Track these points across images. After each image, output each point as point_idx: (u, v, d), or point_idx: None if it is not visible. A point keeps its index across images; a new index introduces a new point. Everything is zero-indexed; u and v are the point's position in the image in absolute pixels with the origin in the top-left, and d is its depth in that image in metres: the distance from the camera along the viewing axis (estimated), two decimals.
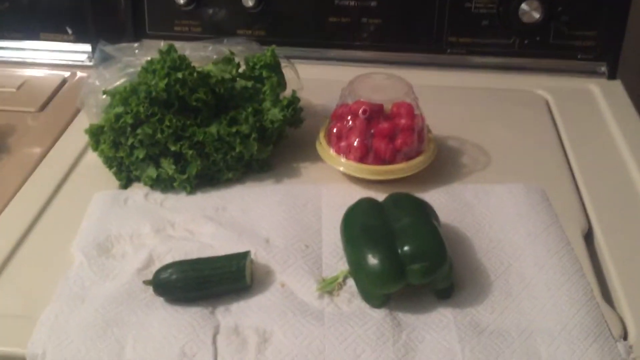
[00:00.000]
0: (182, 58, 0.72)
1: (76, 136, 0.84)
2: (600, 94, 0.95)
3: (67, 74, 1.00)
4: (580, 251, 0.67)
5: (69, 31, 1.01)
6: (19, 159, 0.81)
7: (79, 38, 1.01)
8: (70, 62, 1.01)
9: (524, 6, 0.94)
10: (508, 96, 0.95)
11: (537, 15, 0.94)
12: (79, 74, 1.00)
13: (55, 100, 0.95)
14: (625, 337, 0.58)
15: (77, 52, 1.02)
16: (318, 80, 0.90)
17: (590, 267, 0.65)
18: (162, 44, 0.82)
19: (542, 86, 0.97)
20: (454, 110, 0.90)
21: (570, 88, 0.96)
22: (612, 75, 0.97)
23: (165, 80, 0.70)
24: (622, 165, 0.81)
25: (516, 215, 0.70)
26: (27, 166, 0.80)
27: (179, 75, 0.71)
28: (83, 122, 0.86)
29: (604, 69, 0.98)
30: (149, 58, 0.75)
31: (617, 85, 0.96)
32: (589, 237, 0.70)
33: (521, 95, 0.95)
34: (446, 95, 0.94)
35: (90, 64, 1.01)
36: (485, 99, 0.94)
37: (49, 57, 1.02)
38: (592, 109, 0.93)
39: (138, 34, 1.03)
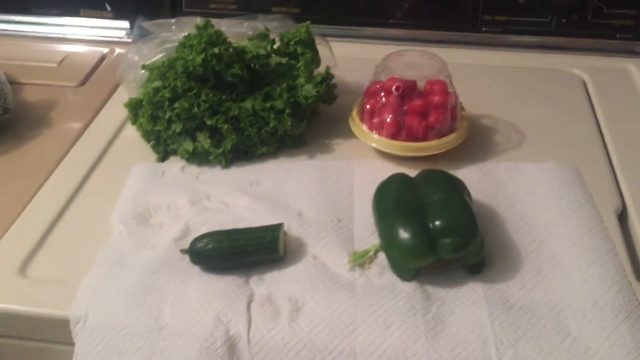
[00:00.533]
0: (219, 33, 0.73)
1: (115, 110, 0.87)
2: (638, 73, 0.93)
3: (105, 50, 1.02)
4: (613, 230, 0.67)
5: (108, 8, 1.03)
6: (60, 132, 0.84)
7: (117, 15, 1.03)
8: (108, 38, 1.03)
9: None
10: (544, 76, 0.94)
11: None
12: (117, 50, 1.02)
13: (95, 75, 0.97)
14: None
15: (116, 28, 1.03)
16: (351, 59, 0.90)
17: (623, 247, 0.65)
18: (199, 20, 0.83)
19: (579, 66, 0.95)
20: (488, 88, 0.90)
21: (608, 68, 0.95)
22: None
23: (202, 55, 0.71)
24: None
25: (549, 193, 0.70)
26: (68, 139, 0.82)
27: (216, 50, 0.72)
28: (122, 96, 0.88)
29: None
30: (186, 33, 0.77)
31: None
32: (622, 216, 0.70)
33: (557, 75, 0.94)
34: (481, 73, 0.94)
35: (129, 40, 1.03)
36: (521, 78, 0.94)
37: (88, 33, 1.04)
38: (629, 89, 0.91)
39: (175, 11, 1.04)
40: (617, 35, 0.96)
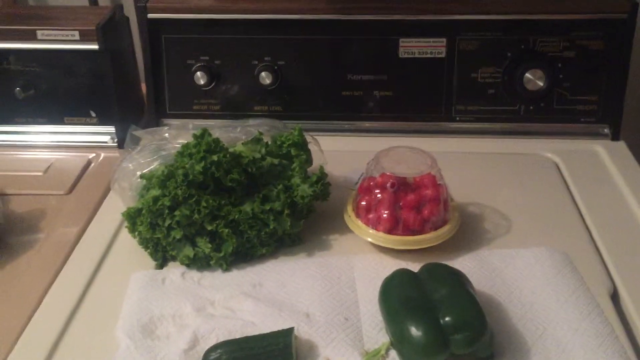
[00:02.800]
0: (217, 141, 0.75)
1: (107, 218, 0.87)
2: (606, 154, 0.99)
3: (91, 155, 1.03)
4: (609, 312, 0.69)
5: (92, 114, 1.04)
6: (53, 243, 0.83)
7: (102, 120, 1.04)
8: (94, 144, 1.04)
9: (528, 75, 0.99)
10: (518, 160, 0.99)
11: (541, 84, 0.99)
12: (103, 154, 1.03)
13: (82, 182, 0.97)
14: None
15: (100, 133, 1.05)
16: (335, 152, 0.93)
17: (621, 328, 0.68)
18: (191, 126, 0.86)
19: (549, 149, 1.01)
20: (468, 175, 0.94)
21: (577, 150, 1.00)
22: (615, 137, 1.02)
23: (202, 164, 0.73)
24: (636, 223, 0.84)
25: (544, 279, 0.73)
26: (62, 250, 0.81)
27: (214, 157, 0.74)
28: (113, 203, 0.89)
29: (607, 130, 1.02)
30: (181, 141, 0.79)
31: (621, 146, 1.01)
32: (614, 297, 0.73)
33: (531, 159, 0.99)
34: (458, 161, 0.98)
35: (114, 144, 1.04)
36: (497, 163, 0.98)
37: (73, 140, 1.05)
38: (599, 169, 0.97)
39: (159, 113, 1.07)
40: (582, 119, 1.03)
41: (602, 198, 0.90)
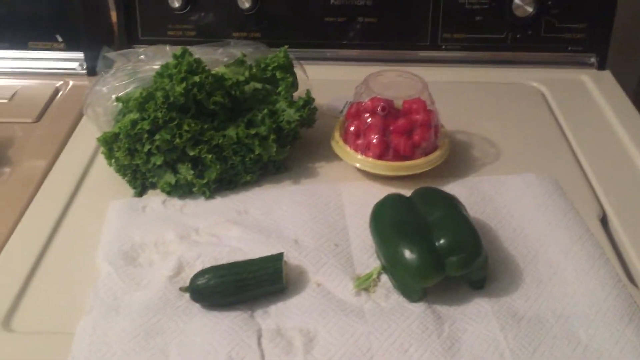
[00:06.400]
0: (198, 62, 0.71)
1: (81, 145, 0.83)
2: (592, 84, 0.98)
3: (59, 82, 0.97)
4: (599, 235, 0.69)
5: (59, 39, 0.98)
6: (24, 172, 0.79)
7: (69, 45, 0.98)
8: (61, 71, 0.98)
9: (517, 0, 0.96)
10: (505, 89, 0.97)
11: (530, 9, 0.96)
12: (72, 82, 0.97)
13: (51, 109, 0.92)
14: None
15: (69, 59, 0.99)
16: (318, 80, 0.90)
17: (611, 250, 0.67)
18: (168, 48, 0.81)
19: (536, 78, 0.99)
20: (455, 104, 0.91)
21: (564, 79, 0.99)
22: (601, 66, 1.00)
23: (183, 85, 0.69)
24: (623, 150, 0.84)
25: (534, 204, 0.72)
26: (33, 179, 0.77)
27: (196, 78, 0.70)
28: (86, 130, 0.84)
29: (593, 60, 1.01)
30: (159, 62, 0.74)
31: (607, 75, 1.00)
32: (604, 221, 0.72)
33: (518, 88, 0.98)
34: (445, 90, 0.93)
35: (83, 71, 0.99)
36: (484, 92, 0.96)
37: (39, 66, 0.99)
38: (586, 98, 0.96)
39: (131, 40, 1.01)
40: (569, 48, 1.01)
41: (589, 126, 0.89)
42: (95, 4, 1.02)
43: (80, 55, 0.99)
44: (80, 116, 0.87)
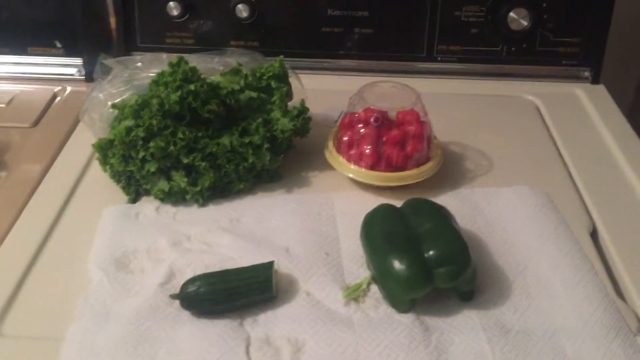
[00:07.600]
0: (194, 70, 0.72)
1: (76, 151, 0.83)
2: (586, 97, 0.99)
3: (57, 88, 0.98)
4: (588, 249, 0.69)
5: (58, 44, 0.99)
6: (19, 177, 0.79)
7: (68, 51, 0.99)
8: (60, 76, 0.99)
9: (512, 14, 0.97)
10: (500, 102, 0.98)
11: (525, 23, 0.97)
12: (69, 88, 0.98)
13: (48, 115, 0.92)
14: None
15: (68, 65, 0.99)
16: (315, 90, 0.90)
17: (600, 265, 0.68)
18: (164, 56, 0.82)
19: (530, 91, 1.00)
20: (449, 116, 0.92)
21: (558, 93, 1.00)
22: (595, 80, 1.01)
23: (178, 93, 0.70)
24: (615, 164, 0.84)
25: (525, 217, 0.73)
26: (29, 184, 0.78)
27: (192, 87, 0.70)
28: (82, 136, 0.85)
29: (587, 74, 1.02)
30: (155, 70, 0.75)
31: (601, 90, 1.00)
32: (594, 235, 0.73)
33: (512, 101, 0.98)
34: (440, 101, 0.94)
35: (81, 77, 0.99)
36: (479, 104, 0.97)
37: (37, 71, 0.99)
38: (579, 112, 0.96)
39: (129, 47, 1.01)
40: (564, 62, 1.01)
41: (582, 140, 0.89)
42: (95, 11, 1.03)
43: (79, 61, 1.00)
44: (77, 122, 0.88)
